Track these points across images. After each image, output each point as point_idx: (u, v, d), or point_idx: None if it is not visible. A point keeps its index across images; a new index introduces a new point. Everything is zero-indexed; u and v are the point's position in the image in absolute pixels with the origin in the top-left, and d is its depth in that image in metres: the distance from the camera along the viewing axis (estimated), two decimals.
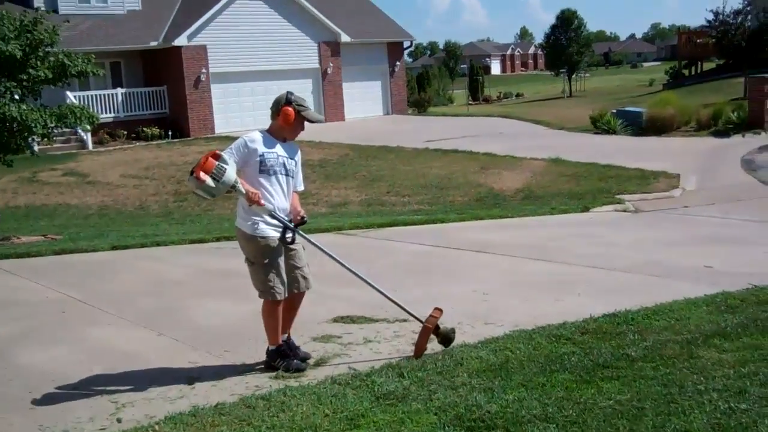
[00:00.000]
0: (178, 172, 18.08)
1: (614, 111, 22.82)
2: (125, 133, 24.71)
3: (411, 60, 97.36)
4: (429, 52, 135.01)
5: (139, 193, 16.90)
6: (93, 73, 11.86)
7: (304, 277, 4.84)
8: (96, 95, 24.49)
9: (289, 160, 4.81)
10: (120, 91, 25.32)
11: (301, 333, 5.25)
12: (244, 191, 4.56)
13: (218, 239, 9.65)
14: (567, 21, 43.79)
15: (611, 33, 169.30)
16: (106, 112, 24.39)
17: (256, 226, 4.66)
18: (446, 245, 8.78)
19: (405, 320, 5.42)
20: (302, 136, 5.01)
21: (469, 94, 45.04)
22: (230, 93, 26.52)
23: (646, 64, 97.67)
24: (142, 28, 26.08)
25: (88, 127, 13.85)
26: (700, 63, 38.19)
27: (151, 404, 4.29)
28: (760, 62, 26.80)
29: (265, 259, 4.65)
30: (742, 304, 5.44)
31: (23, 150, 12.12)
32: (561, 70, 44.97)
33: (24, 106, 11.13)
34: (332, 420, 3.77)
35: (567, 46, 43.07)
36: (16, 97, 11.43)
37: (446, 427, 3.57)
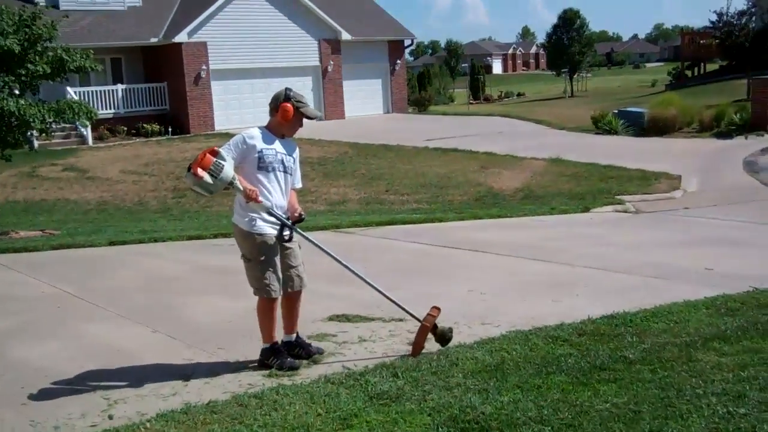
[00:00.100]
0: (177, 169, 18.04)
1: (616, 111, 22.77)
2: (125, 129, 24.69)
3: (412, 58, 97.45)
4: (430, 51, 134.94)
5: (138, 189, 16.86)
6: (91, 68, 11.81)
7: (299, 276, 4.80)
8: (96, 91, 24.47)
9: (288, 157, 4.77)
10: (120, 87, 25.30)
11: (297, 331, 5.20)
12: (241, 188, 4.52)
13: (216, 236, 9.61)
14: (569, 21, 43.73)
15: (614, 33, 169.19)
16: (106, 108, 24.40)
17: (253, 222, 4.62)
18: (445, 244, 8.74)
19: (401, 319, 5.38)
20: (301, 133, 4.97)
21: (470, 94, 45.01)
22: (230, 90, 26.48)
23: (648, 65, 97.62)
24: (143, 25, 26.03)
25: (87, 123, 13.79)
26: (703, 64, 38.18)
27: (143, 401, 4.26)
28: (763, 63, 26.73)
29: (261, 256, 4.61)
30: (742, 307, 5.39)
31: (22, 145, 12.07)
32: (563, 70, 44.94)
33: (22, 101, 11.08)
34: (325, 419, 3.72)
35: (569, 46, 43.01)
36: (16, 92, 11.38)
37: (440, 428, 3.53)
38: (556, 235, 9.25)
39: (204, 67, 25.58)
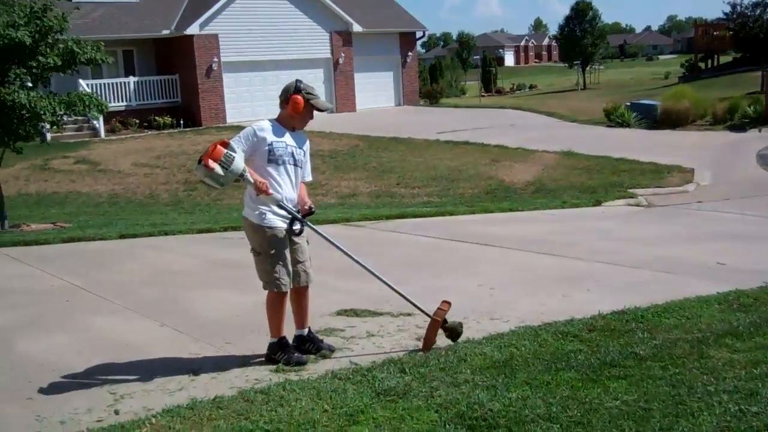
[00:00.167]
0: (188, 161, 18.06)
1: (628, 104, 22.62)
2: (137, 121, 24.75)
3: (424, 51, 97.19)
4: (442, 43, 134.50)
5: (150, 182, 16.89)
6: (102, 60, 11.80)
7: (306, 272, 4.77)
8: (108, 83, 24.51)
9: (298, 149, 4.73)
10: (132, 79, 25.35)
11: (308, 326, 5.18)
12: (252, 180, 4.49)
13: (225, 229, 9.60)
14: (582, 12, 43.37)
15: (627, 25, 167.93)
16: (118, 101, 24.46)
17: (263, 216, 4.59)
18: (455, 238, 8.70)
19: (409, 314, 5.34)
20: (312, 126, 4.92)
21: (482, 86, 44.75)
22: (242, 82, 26.49)
23: (661, 57, 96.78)
24: (155, 17, 26.07)
25: (97, 115, 13.80)
26: (716, 56, 37.85)
27: (149, 396, 4.24)
28: None
29: (271, 249, 4.58)
30: (755, 303, 5.32)
31: (33, 137, 12.10)
32: (575, 62, 44.61)
33: (33, 93, 11.10)
34: (331, 416, 3.70)
35: (581, 38, 42.68)
36: (29, 84, 11.40)
37: (447, 425, 3.49)
38: (567, 229, 9.18)
39: (215, 59, 25.59)
